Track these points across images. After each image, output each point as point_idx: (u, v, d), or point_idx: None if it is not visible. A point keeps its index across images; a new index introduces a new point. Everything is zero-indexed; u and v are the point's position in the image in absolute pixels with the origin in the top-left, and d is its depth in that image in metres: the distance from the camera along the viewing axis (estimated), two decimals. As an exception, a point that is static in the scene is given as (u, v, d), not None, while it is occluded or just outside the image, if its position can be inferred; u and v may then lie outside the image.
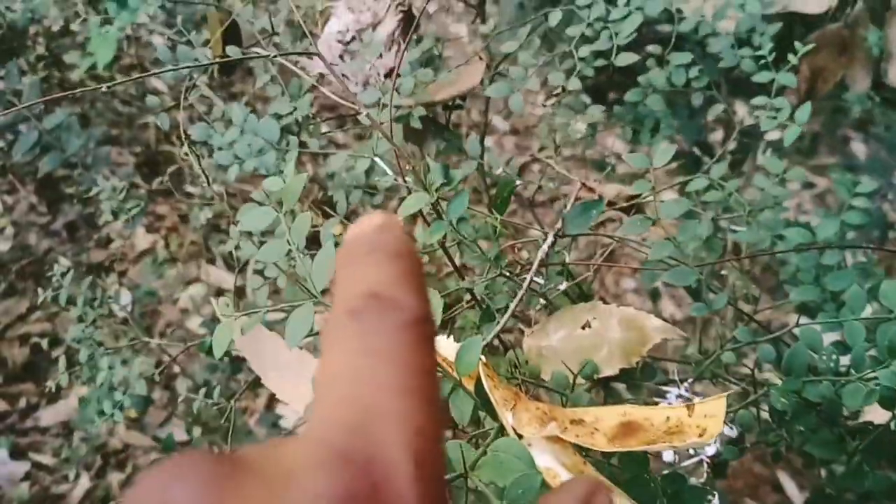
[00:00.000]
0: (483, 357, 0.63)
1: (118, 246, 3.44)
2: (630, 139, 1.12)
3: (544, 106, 0.96)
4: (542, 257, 0.87)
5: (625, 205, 1.17)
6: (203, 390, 1.20)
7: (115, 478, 2.60)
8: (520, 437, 0.60)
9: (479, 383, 0.63)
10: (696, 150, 1.56)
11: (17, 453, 2.78)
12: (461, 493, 0.54)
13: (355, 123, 1.13)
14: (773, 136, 1.07)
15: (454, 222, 0.84)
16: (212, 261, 3.45)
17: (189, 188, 3.53)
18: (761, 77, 1.03)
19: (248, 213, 0.62)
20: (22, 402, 2.86)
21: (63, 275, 1.34)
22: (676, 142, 1.51)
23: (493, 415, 0.62)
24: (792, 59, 1.01)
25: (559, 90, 0.94)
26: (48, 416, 2.86)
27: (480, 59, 1.18)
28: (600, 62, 1.05)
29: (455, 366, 0.61)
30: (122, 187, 1.69)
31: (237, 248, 1.10)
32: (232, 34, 1.29)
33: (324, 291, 0.63)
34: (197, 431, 2.09)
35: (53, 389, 1.25)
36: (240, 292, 2.07)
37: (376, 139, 1.01)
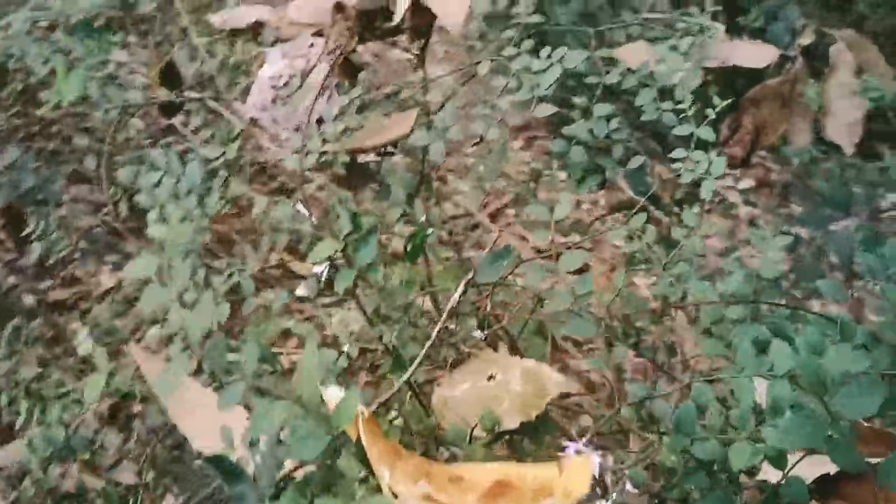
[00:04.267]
0: (364, 410, 0.63)
1: (83, 287, 3.41)
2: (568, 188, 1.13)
3: (465, 155, 0.97)
4: (453, 306, 0.87)
5: (550, 253, 1.17)
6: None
7: (67, 521, 2.55)
8: (395, 496, 0.59)
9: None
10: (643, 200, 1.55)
11: (-34, 495, 2.70)
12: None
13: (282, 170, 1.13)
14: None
15: (363, 269, 0.84)
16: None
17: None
18: (681, 130, 1.04)
19: (134, 262, 0.62)
20: (-25, 443, 2.81)
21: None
22: (619, 190, 1.51)
23: (372, 471, 0.61)
24: (710, 112, 1.02)
25: (478, 140, 0.95)
26: (1, 456, 2.80)
27: (415, 107, 1.19)
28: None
29: (333, 416, 0.60)
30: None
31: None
32: (171, 76, 1.29)
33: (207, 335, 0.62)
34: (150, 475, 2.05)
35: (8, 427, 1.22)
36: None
37: (302, 186, 1.01)
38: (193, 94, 1.12)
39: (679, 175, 1.02)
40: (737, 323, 0.82)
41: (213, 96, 1.01)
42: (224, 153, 1.11)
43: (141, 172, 1.09)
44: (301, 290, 1.09)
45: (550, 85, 0.98)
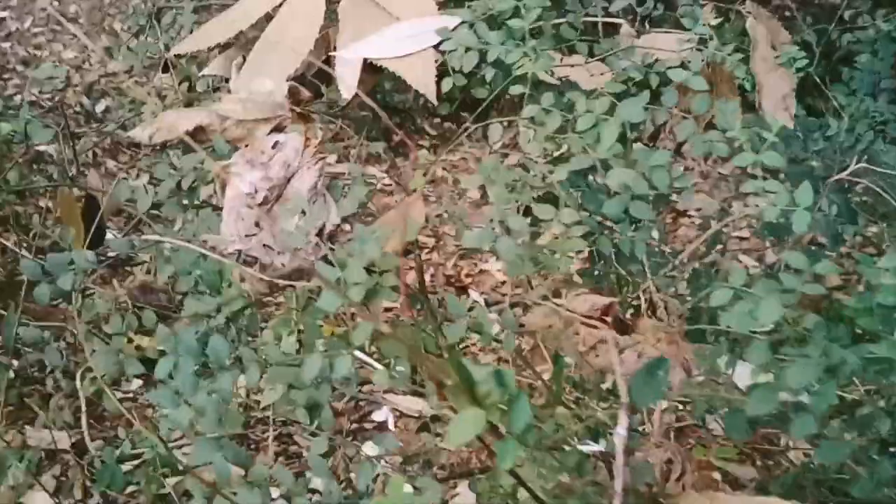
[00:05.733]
0: None
1: None
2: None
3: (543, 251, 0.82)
4: (624, 446, 0.72)
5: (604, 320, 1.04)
6: None
7: None
8: None
9: None
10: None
11: None
12: None
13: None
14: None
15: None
16: (33, 420, 2.98)
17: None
18: (741, 160, 0.95)
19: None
20: None
21: None
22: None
23: None
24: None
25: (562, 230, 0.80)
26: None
27: (414, 191, 1.02)
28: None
29: None
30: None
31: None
32: (91, 218, 1.02)
33: None
34: None
35: None
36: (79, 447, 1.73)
37: (353, 329, 0.81)
38: (153, 237, 0.88)
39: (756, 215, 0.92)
40: None
41: (181, 236, 0.79)
42: (222, 306, 0.88)
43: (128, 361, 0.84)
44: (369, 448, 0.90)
45: (613, 144, 0.85)
